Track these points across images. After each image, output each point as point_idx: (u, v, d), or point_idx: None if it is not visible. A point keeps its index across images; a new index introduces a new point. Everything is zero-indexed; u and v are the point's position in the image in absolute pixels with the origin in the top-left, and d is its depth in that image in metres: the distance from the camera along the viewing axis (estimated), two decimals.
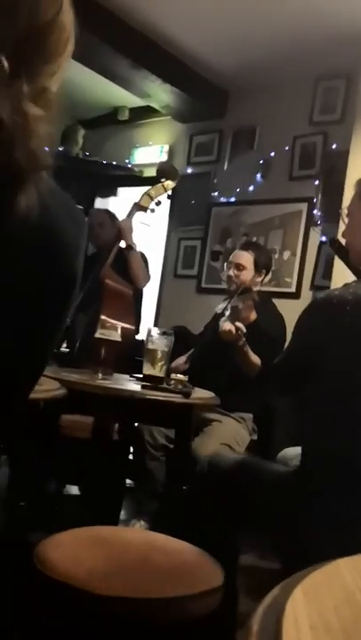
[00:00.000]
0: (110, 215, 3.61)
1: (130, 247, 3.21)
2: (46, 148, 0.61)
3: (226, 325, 2.46)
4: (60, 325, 0.74)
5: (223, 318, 2.57)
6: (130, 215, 3.14)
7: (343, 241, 1.61)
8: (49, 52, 0.65)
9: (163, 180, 3.08)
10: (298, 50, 3.49)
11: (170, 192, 3.13)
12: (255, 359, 2.56)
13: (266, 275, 2.96)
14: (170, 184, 3.07)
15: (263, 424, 2.82)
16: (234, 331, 2.40)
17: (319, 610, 0.44)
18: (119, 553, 1.21)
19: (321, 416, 1.39)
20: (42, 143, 0.59)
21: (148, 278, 3.40)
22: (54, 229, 0.66)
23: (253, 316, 2.52)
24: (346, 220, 1.54)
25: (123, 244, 3.17)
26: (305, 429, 1.47)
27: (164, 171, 3.16)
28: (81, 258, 0.72)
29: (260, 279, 2.90)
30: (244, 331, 2.42)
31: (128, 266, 3.20)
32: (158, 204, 3.11)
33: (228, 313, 2.57)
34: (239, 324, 2.42)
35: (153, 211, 3.11)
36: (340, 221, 3.00)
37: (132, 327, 2.88)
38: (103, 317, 2.32)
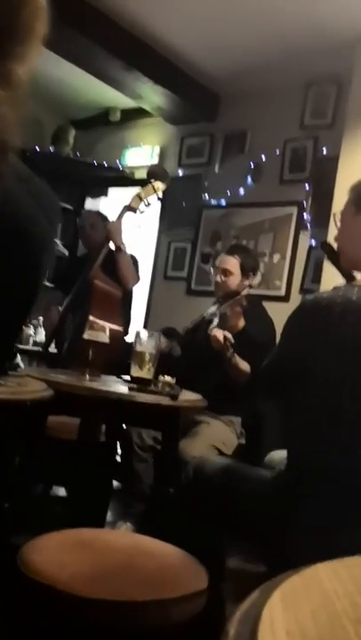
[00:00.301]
0: (101, 216, 3.60)
1: (119, 248, 3.21)
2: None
3: (215, 334, 2.46)
4: (16, 316, 0.70)
5: (212, 326, 2.57)
6: (119, 217, 3.14)
7: (335, 245, 1.62)
8: (18, 32, 0.62)
9: (153, 181, 3.08)
10: (289, 55, 3.51)
11: (160, 194, 3.13)
12: (244, 366, 2.57)
13: (254, 276, 2.96)
14: (160, 186, 3.07)
15: (251, 428, 2.82)
16: (222, 340, 2.40)
17: (296, 615, 0.44)
18: (104, 556, 1.21)
19: (306, 420, 1.39)
20: (2, 124, 0.57)
21: (137, 279, 3.40)
22: (15, 215, 0.64)
23: (241, 323, 2.52)
24: (338, 225, 1.55)
25: (112, 245, 3.17)
26: (290, 433, 1.47)
27: (155, 172, 3.17)
28: (50, 251, 0.69)
29: (248, 282, 2.90)
30: (232, 341, 2.43)
31: (117, 267, 3.20)
32: (148, 205, 3.11)
33: (216, 320, 2.57)
34: (228, 334, 2.42)
35: (143, 212, 3.11)
36: (332, 225, 3.03)
37: (121, 329, 2.88)
38: (91, 318, 2.31)
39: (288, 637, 0.39)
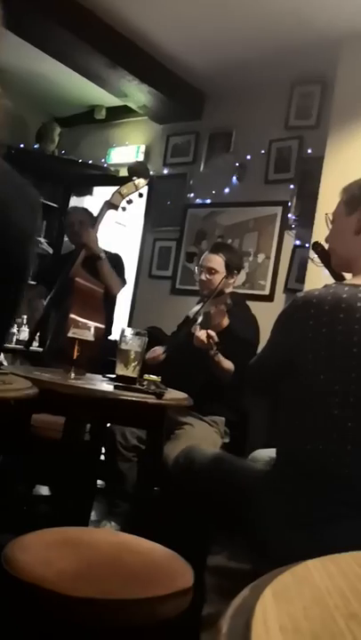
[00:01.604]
0: (89, 214, 3.59)
1: (98, 257, 3.19)
2: None
3: (198, 333, 2.46)
4: (4, 309, 0.70)
5: (195, 324, 2.57)
6: (101, 213, 3.13)
7: (326, 246, 1.63)
8: None
9: (134, 178, 3.08)
10: (275, 54, 3.52)
11: (142, 191, 3.12)
12: (228, 364, 2.57)
13: (238, 274, 2.97)
14: (141, 182, 3.07)
15: (236, 427, 2.83)
16: (206, 340, 2.40)
17: (289, 611, 0.44)
18: (89, 554, 1.20)
19: (295, 417, 1.40)
20: None
21: (122, 284, 3.38)
22: (4, 212, 0.64)
23: (226, 322, 2.53)
24: (330, 226, 1.56)
25: (85, 253, 3.15)
26: (279, 429, 1.47)
27: (136, 170, 3.17)
28: (33, 245, 0.69)
29: (232, 280, 2.91)
30: (216, 339, 2.43)
31: (99, 275, 3.18)
32: (130, 202, 3.10)
33: (200, 319, 2.58)
34: (211, 333, 2.42)
35: (124, 209, 3.10)
36: (317, 225, 3.05)
37: (102, 326, 2.87)
38: (72, 316, 2.30)
39: (281, 632, 0.39)
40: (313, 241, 1.87)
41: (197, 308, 2.88)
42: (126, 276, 3.48)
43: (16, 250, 0.67)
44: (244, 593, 0.47)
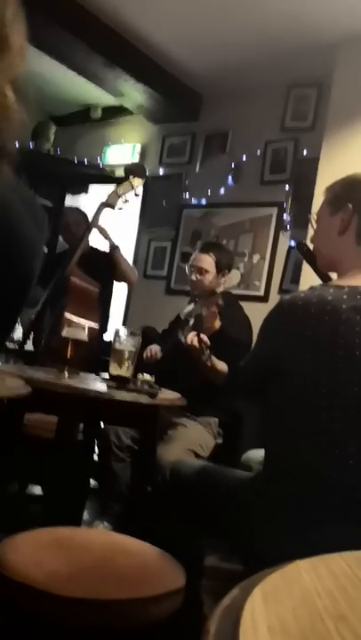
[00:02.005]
0: (83, 214, 3.59)
1: (115, 247, 3.24)
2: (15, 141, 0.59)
3: (190, 338, 2.44)
4: (4, 321, 0.71)
5: (187, 327, 2.56)
6: (97, 213, 3.13)
7: (311, 246, 1.63)
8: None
9: (130, 178, 3.07)
10: (271, 57, 3.53)
11: (138, 191, 3.12)
12: (221, 367, 2.56)
13: (229, 273, 2.96)
14: (137, 181, 3.06)
15: (229, 428, 2.83)
16: (197, 344, 2.39)
17: (277, 612, 0.44)
18: (80, 554, 1.20)
19: (283, 420, 1.39)
20: (11, 131, 0.58)
21: (136, 273, 3.45)
22: (14, 225, 0.65)
23: (218, 324, 2.52)
24: (315, 226, 1.55)
25: (106, 246, 3.18)
26: (267, 433, 1.47)
27: (132, 169, 3.16)
28: (39, 259, 0.70)
29: (223, 279, 2.90)
30: (208, 344, 2.42)
31: (117, 266, 3.22)
32: (126, 202, 3.10)
33: (192, 321, 2.56)
34: (203, 337, 2.41)
35: (121, 209, 3.10)
36: (310, 226, 3.05)
37: (97, 326, 2.86)
38: (67, 315, 2.29)
39: (270, 633, 0.39)
40: (299, 241, 1.86)
41: (189, 308, 2.87)
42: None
43: (23, 262, 0.68)
44: (233, 593, 0.47)
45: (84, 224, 3.42)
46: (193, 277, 2.87)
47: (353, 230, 1.42)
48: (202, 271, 2.84)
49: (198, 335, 2.40)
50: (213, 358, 2.51)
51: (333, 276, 1.53)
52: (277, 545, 1.21)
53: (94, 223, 3.14)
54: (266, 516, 1.33)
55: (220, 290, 2.83)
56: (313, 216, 1.56)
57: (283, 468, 1.37)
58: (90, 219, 3.31)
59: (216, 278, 2.81)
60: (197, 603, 1.46)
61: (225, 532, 1.47)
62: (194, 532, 1.55)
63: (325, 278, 1.58)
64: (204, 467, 1.66)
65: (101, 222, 3.17)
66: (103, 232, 3.17)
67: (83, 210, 3.71)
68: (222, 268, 2.85)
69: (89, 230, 3.17)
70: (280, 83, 3.77)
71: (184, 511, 1.53)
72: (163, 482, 1.68)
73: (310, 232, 1.66)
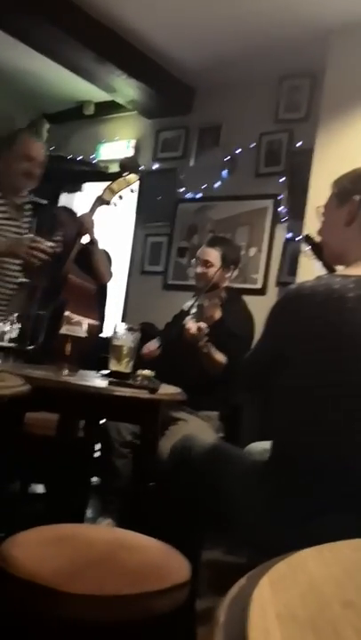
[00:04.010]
0: (70, 212, 3.57)
1: (92, 242, 3.18)
2: None
3: (189, 325, 2.45)
4: None
5: (189, 317, 2.56)
6: (92, 209, 3.11)
7: (318, 238, 1.64)
8: None
9: (125, 174, 3.06)
10: (264, 48, 3.52)
11: (132, 186, 3.11)
12: (219, 357, 2.57)
13: (235, 268, 2.96)
14: (132, 178, 3.05)
15: (229, 422, 2.83)
16: (195, 331, 2.40)
17: (285, 599, 0.43)
18: (85, 550, 1.20)
19: (290, 410, 1.40)
20: None
21: (111, 274, 3.38)
22: None
23: (218, 314, 2.52)
24: (322, 218, 1.56)
25: (86, 238, 3.14)
26: (273, 423, 1.47)
27: (127, 165, 3.15)
28: None
29: (228, 275, 2.91)
30: (207, 330, 2.42)
31: (91, 260, 3.16)
32: (121, 198, 3.09)
33: (194, 311, 2.57)
34: (202, 324, 2.42)
35: (116, 205, 3.09)
36: (308, 218, 3.05)
37: (97, 323, 2.86)
38: (66, 313, 2.29)
39: (278, 620, 0.39)
40: (304, 234, 1.87)
41: (192, 301, 2.88)
42: (115, 273, 3.46)
43: None
44: (241, 582, 0.46)
45: (70, 223, 3.40)
46: (198, 270, 2.89)
47: (360, 222, 1.44)
48: (207, 264, 2.86)
49: (197, 323, 2.40)
50: (212, 348, 2.51)
51: (340, 268, 1.54)
52: (280, 533, 1.21)
53: (87, 218, 3.11)
54: (269, 504, 1.34)
55: (224, 285, 2.84)
56: (320, 209, 1.57)
57: (287, 456, 1.37)
58: (80, 214, 3.29)
59: (221, 272, 2.82)
60: (203, 596, 1.47)
61: (233, 519, 1.47)
62: (197, 523, 1.55)
63: (332, 270, 1.59)
64: (215, 445, 1.66)
65: (95, 218, 3.15)
66: (90, 226, 3.13)
67: (71, 208, 3.70)
68: (228, 262, 2.86)
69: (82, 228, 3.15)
70: (273, 74, 3.75)
71: (187, 498, 1.53)
72: (173, 454, 1.68)
73: (308, 224, 1.66)
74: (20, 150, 2.71)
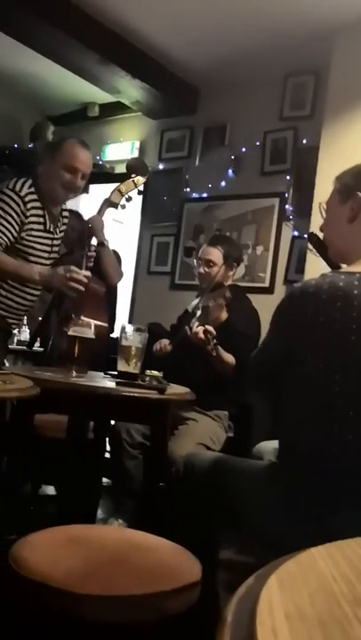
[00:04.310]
0: (76, 215, 3.58)
1: (102, 244, 3.18)
2: None
3: (197, 329, 2.44)
4: None
5: (194, 319, 2.55)
6: (100, 212, 3.11)
7: (321, 235, 1.63)
8: None
9: (133, 175, 3.06)
10: (267, 46, 3.51)
11: (140, 188, 3.10)
12: (228, 358, 2.56)
13: (238, 266, 2.95)
14: (140, 179, 3.05)
15: (240, 421, 2.83)
16: (203, 336, 2.38)
17: (294, 598, 0.43)
18: (96, 551, 1.20)
19: (298, 408, 1.40)
20: None
21: (120, 275, 3.38)
22: None
23: (224, 315, 2.51)
24: (324, 215, 1.55)
25: (94, 241, 3.14)
26: (282, 422, 1.47)
27: (134, 166, 3.14)
28: None
29: (231, 273, 2.90)
30: (214, 334, 2.41)
31: (100, 263, 3.16)
32: (129, 199, 3.08)
33: (199, 313, 2.56)
34: (209, 328, 2.40)
35: (124, 207, 3.08)
36: (315, 215, 3.04)
37: (106, 325, 2.86)
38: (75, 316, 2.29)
39: (287, 620, 0.39)
40: (310, 231, 1.86)
41: (196, 301, 2.87)
42: (124, 273, 3.46)
43: None
44: (249, 582, 0.46)
45: (77, 225, 3.41)
46: (201, 270, 2.87)
47: None
48: (209, 263, 2.84)
49: (204, 326, 2.39)
50: (220, 349, 2.51)
51: (344, 266, 1.53)
52: (293, 533, 1.20)
53: (96, 220, 3.12)
54: (281, 504, 1.33)
55: (227, 283, 2.83)
56: (323, 205, 1.56)
57: (298, 456, 1.37)
58: (85, 218, 3.29)
59: (224, 271, 2.81)
60: (214, 596, 1.46)
61: (240, 521, 1.47)
62: (209, 524, 1.55)
63: (336, 267, 1.58)
64: (217, 458, 1.66)
65: (104, 220, 3.15)
66: (99, 228, 3.13)
67: (76, 211, 3.70)
68: (230, 261, 2.84)
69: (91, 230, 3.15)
70: (277, 72, 3.74)
71: (199, 503, 1.53)
72: (176, 474, 1.68)
73: (314, 221, 1.65)
74: (63, 160, 2.53)
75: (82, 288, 2.32)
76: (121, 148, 4.60)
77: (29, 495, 2.85)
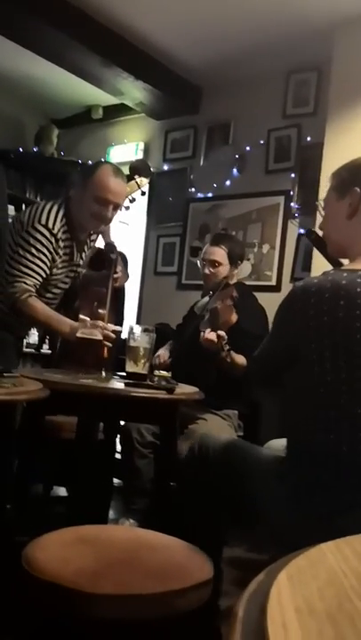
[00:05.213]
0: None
1: (111, 246, 3.18)
2: None
3: (207, 335, 2.40)
4: None
5: (203, 322, 2.53)
6: None
7: (320, 232, 1.62)
8: None
9: (136, 177, 3.07)
10: (269, 44, 3.50)
11: (144, 189, 3.11)
12: (240, 360, 2.54)
13: (241, 263, 2.94)
14: (143, 181, 3.06)
15: (249, 420, 2.83)
16: (215, 340, 2.35)
17: (304, 593, 0.44)
18: (107, 551, 1.21)
19: (304, 407, 1.39)
20: None
21: (127, 277, 3.38)
22: None
23: (234, 318, 2.49)
24: (322, 212, 1.55)
25: (101, 243, 3.14)
26: (288, 420, 1.47)
27: (137, 168, 3.14)
28: (3, 210, 0.72)
29: (236, 271, 2.88)
30: (226, 338, 2.38)
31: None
32: (132, 201, 3.09)
33: (207, 316, 2.54)
34: (221, 333, 2.37)
35: (128, 208, 3.09)
36: (317, 213, 3.03)
37: (121, 329, 2.85)
38: (81, 317, 2.30)
39: (297, 614, 0.39)
40: (308, 228, 1.85)
41: (203, 302, 2.85)
42: (130, 274, 3.46)
43: None
44: (259, 577, 0.47)
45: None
46: (206, 271, 2.83)
47: None
48: (215, 264, 2.81)
49: (215, 332, 2.37)
50: (232, 353, 2.49)
51: (345, 262, 1.52)
52: (302, 531, 1.21)
53: None
54: (290, 502, 1.33)
55: (233, 281, 2.82)
56: (320, 203, 1.55)
57: (306, 454, 1.37)
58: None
59: (229, 270, 2.80)
60: (217, 593, 1.47)
61: (249, 517, 1.48)
62: (218, 521, 1.55)
63: (336, 264, 1.58)
64: (231, 444, 1.66)
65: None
66: (106, 229, 3.13)
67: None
68: (235, 259, 2.83)
69: (96, 233, 3.16)
70: (279, 69, 3.74)
71: (208, 496, 1.53)
72: (190, 455, 1.68)
73: (319, 218, 1.65)
74: (94, 190, 2.37)
75: (109, 344, 2.20)
76: (125, 150, 4.60)
77: (41, 496, 2.86)
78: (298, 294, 1.37)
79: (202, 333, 2.39)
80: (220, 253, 2.82)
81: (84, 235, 2.57)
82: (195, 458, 1.64)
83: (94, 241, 3.15)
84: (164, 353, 2.95)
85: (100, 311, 2.32)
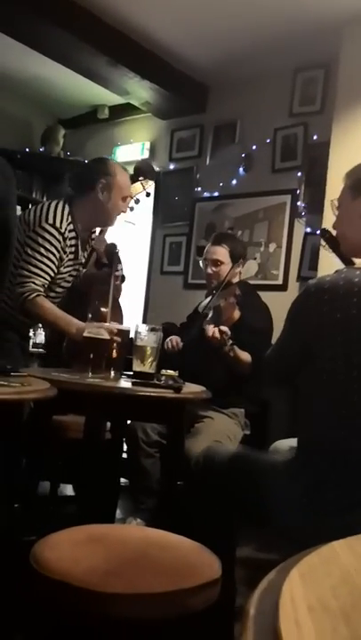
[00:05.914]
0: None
1: (112, 245, 3.18)
2: None
3: (210, 331, 2.43)
4: None
5: (207, 320, 2.54)
6: None
7: (334, 232, 1.62)
8: None
9: (140, 178, 3.07)
10: (276, 42, 3.50)
11: (149, 190, 3.12)
12: (245, 356, 2.55)
13: (243, 262, 2.94)
14: (148, 182, 3.06)
15: (256, 419, 2.82)
16: (219, 336, 2.37)
17: (316, 591, 0.43)
18: (116, 550, 1.21)
19: (317, 404, 1.39)
20: None
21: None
22: None
23: (237, 314, 2.50)
24: (336, 212, 1.55)
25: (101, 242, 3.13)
26: (300, 418, 1.47)
27: (141, 169, 3.14)
28: (12, 209, 0.73)
29: (238, 270, 2.89)
30: (229, 334, 2.40)
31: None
32: (137, 202, 3.10)
33: (211, 314, 2.55)
34: (224, 328, 2.39)
35: (132, 209, 3.10)
36: (327, 212, 3.02)
37: (128, 328, 2.86)
38: (91, 316, 2.30)
39: (310, 612, 0.39)
40: (323, 227, 1.85)
41: (207, 301, 2.86)
42: (136, 274, 3.45)
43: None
44: (271, 576, 0.47)
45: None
46: (209, 270, 2.86)
47: None
48: (217, 263, 2.83)
49: (218, 327, 2.38)
50: (236, 349, 2.50)
51: (357, 261, 1.52)
52: (315, 529, 1.20)
53: (97, 245, 3.12)
54: (302, 500, 1.33)
55: (235, 280, 2.83)
56: (334, 202, 1.55)
57: (318, 452, 1.37)
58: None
59: (231, 269, 2.81)
60: (232, 593, 1.47)
61: (261, 517, 1.47)
62: (228, 521, 1.55)
63: (350, 263, 1.58)
64: (238, 453, 1.66)
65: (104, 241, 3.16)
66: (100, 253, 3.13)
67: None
68: (237, 257, 2.84)
69: (101, 232, 3.16)
70: (286, 68, 3.73)
71: (217, 498, 1.53)
72: (195, 467, 1.68)
73: (326, 217, 1.65)
74: (121, 189, 2.52)
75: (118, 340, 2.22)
76: (131, 150, 4.61)
77: (48, 496, 2.86)
78: (312, 291, 1.38)
79: (206, 328, 2.40)
80: (221, 252, 2.84)
81: (87, 233, 2.59)
82: (201, 470, 1.64)
83: (94, 239, 3.15)
84: (176, 337, 2.94)
85: (103, 309, 2.33)
